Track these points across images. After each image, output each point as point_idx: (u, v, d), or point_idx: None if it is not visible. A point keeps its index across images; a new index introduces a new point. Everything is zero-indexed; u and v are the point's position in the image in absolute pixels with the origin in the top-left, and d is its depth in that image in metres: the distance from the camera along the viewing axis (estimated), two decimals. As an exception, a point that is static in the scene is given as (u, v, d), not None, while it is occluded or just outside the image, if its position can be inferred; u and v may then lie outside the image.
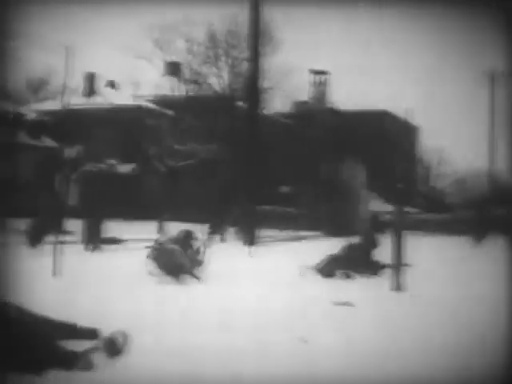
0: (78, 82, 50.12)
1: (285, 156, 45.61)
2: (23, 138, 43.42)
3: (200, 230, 16.50)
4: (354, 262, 15.88)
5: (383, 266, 15.48)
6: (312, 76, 56.48)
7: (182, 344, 7.89)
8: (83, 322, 7.62)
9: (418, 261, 15.74)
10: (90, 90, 51.97)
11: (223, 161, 43.66)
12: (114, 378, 6.65)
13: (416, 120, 59.32)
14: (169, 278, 13.95)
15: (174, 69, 50.86)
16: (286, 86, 47.75)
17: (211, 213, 31.53)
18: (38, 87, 56.39)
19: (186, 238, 14.99)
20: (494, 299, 11.58)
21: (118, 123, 46.96)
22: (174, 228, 18.87)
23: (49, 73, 53.72)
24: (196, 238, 15.24)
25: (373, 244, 16.50)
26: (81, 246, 22.05)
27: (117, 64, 50.78)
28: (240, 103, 42.64)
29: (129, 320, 8.55)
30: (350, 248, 16.43)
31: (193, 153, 44.39)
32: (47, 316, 7.39)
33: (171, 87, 49.46)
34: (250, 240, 26.59)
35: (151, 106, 49.45)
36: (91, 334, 7.44)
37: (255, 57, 29.28)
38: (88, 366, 6.76)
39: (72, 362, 6.70)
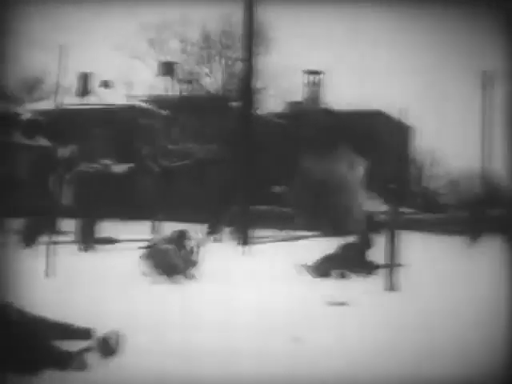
0: (72, 82, 50.03)
1: (278, 156, 45.59)
2: (18, 137, 43.33)
3: (194, 230, 16.45)
4: (348, 262, 15.88)
5: (378, 266, 15.48)
6: (306, 76, 56.47)
7: (176, 344, 7.89)
8: (77, 321, 7.60)
9: (412, 260, 15.74)
10: (84, 90, 51.86)
11: (217, 161, 43.65)
12: (108, 377, 6.64)
13: (410, 120, 59.33)
14: (163, 278, 13.94)
15: (168, 69, 50.83)
16: (280, 87, 47.82)
17: (207, 213, 31.50)
18: (32, 87, 56.28)
19: (180, 238, 14.98)
20: (489, 298, 11.61)
21: (112, 123, 46.88)
22: (168, 228, 18.85)
23: (43, 72, 53.59)
24: (190, 238, 15.22)
25: (367, 244, 16.51)
26: (75, 246, 22.00)
27: (111, 64, 50.84)
28: (234, 103, 42.63)
29: (123, 320, 8.54)
30: (345, 248, 16.44)
31: (187, 153, 44.37)
32: (41, 316, 7.37)
33: (165, 87, 49.46)
34: (244, 240, 26.56)
35: (145, 105, 49.39)
36: (85, 334, 7.42)
37: (249, 57, 29.25)
38: (82, 365, 6.74)
39: (66, 361, 6.69)
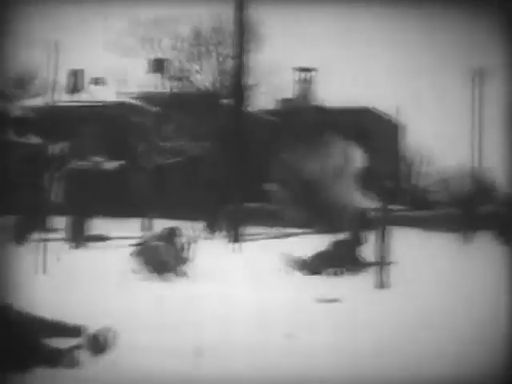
0: (63, 79, 49.88)
1: (270, 153, 45.56)
2: (8, 134, 43.17)
3: (185, 228, 16.45)
4: (340, 259, 15.91)
5: (369, 263, 15.49)
6: (297, 73, 56.44)
7: (167, 341, 7.89)
8: (67, 319, 7.58)
9: (403, 258, 15.77)
10: (75, 87, 51.71)
11: (209, 158, 43.60)
12: (99, 375, 6.63)
13: (401, 118, 59.40)
14: (153, 275, 13.93)
15: (158, 66, 50.73)
16: (271, 84, 47.76)
17: (201, 211, 31.51)
18: (23, 84, 56.10)
19: (171, 235, 14.98)
20: (483, 295, 11.65)
21: (103, 120, 46.75)
22: (160, 225, 18.84)
23: (34, 70, 53.44)
24: (181, 236, 15.22)
25: (359, 241, 16.53)
26: (66, 244, 21.98)
27: (102, 61, 50.55)
28: (225, 100, 42.56)
29: (113, 317, 8.52)
30: (337, 245, 16.46)
31: (179, 150, 44.29)
32: (31, 313, 7.36)
33: (156, 84, 49.36)
34: (235, 237, 26.56)
35: (136, 102, 49.28)
36: (75, 331, 7.40)
37: (240, 54, 29.24)
38: (72, 363, 6.73)
39: (56, 359, 6.67)
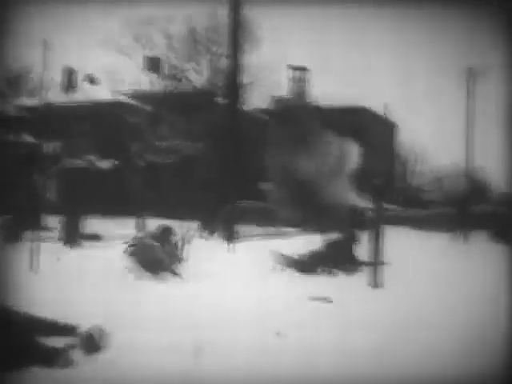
0: (57, 78, 49.83)
1: (264, 151, 45.60)
2: (2, 133, 43.09)
3: (180, 226, 16.45)
4: (334, 258, 15.92)
5: (363, 262, 15.51)
6: (291, 72, 56.49)
7: (160, 340, 7.89)
8: (61, 318, 7.59)
9: (397, 257, 15.79)
10: (69, 86, 51.69)
11: (204, 157, 43.60)
12: (93, 374, 6.64)
13: (395, 117, 59.54)
14: (147, 274, 13.93)
15: (153, 64, 50.73)
16: (266, 82, 47.80)
17: (197, 210, 31.52)
18: (17, 83, 56.02)
19: (165, 234, 14.98)
20: (479, 295, 11.69)
21: (97, 119, 46.74)
22: (154, 224, 18.83)
23: (28, 68, 53.35)
24: (175, 234, 15.23)
25: (353, 240, 16.55)
26: (59, 243, 21.96)
27: (96, 59, 50.53)
28: (220, 99, 42.58)
29: (107, 316, 8.53)
30: (331, 244, 16.48)
31: (174, 149, 44.29)
32: (26, 313, 7.37)
33: (151, 83, 49.35)
34: (230, 236, 26.56)
35: (131, 101, 49.26)
36: (69, 330, 7.41)
37: (235, 53, 29.23)
38: (67, 362, 6.74)
39: (51, 358, 6.68)
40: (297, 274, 15.31)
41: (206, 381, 6.70)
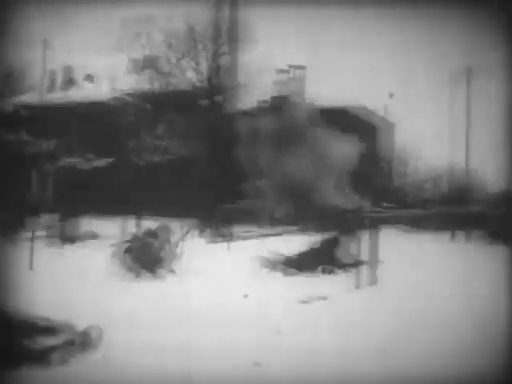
0: (55, 76, 49.79)
1: (259, 150, 45.53)
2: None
3: (176, 225, 16.50)
4: (327, 257, 15.96)
5: (356, 262, 15.54)
6: (288, 71, 56.43)
7: (154, 339, 7.95)
8: (57, 317, 7.64)
9: (391, 256, 15.84)
10: (68, 84, 51.65)
11: (200, 156, 43.55)
12: (87, 372, 6.70)
13: (390, 117, 59.48)
14: (143, 272, 13.99)
15: (151, 62, 50.67)
16: (261, 82, 47.72)
17: (193, 209, 31.52)
18: (15, 81, 55.96)
19: (162, 233, 15.03)
20: (472, 292, 11.75)
21: (95, 117, 46.67)
22: (150, 223, 18.87)
23: (26, 66, 53.34)
24: (172, 233, 15.27)
25: (346, 240, 16.58)
26: (56, 241, 21.97)
27: (94, 57, 50.44)
28: (217, 98, 42.55)
29: (102, 315, 8.59)
30: (324, 244, 16.52)
31: (170, 148, 44.24)
32: (20, 312, 7.41)
33: (149, 81, 49.28)
34: (224, 235, 26.59)
35: (129, 100, 49.20)
36: (63, 329, 7.46)
37: (232, 52, 29.26)
38: (62, 360, 6.79)
39: (45, 357, 6.73)
40: (289, 274, 15.36)
41: (201, 379, 6.77)
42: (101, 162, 45.14)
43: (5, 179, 39.58)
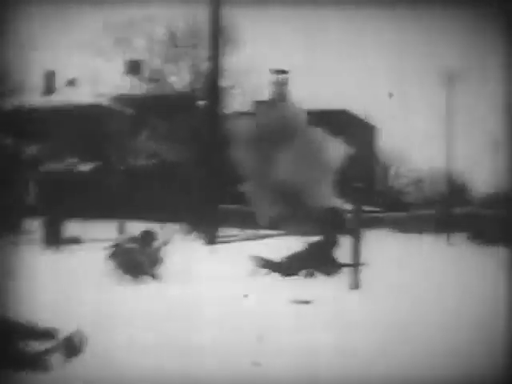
0: (37, 80, 49.64)
1: (245, 154, 45.58)
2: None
3: (159, 229, 16.46)
4: (314, 261, 15.96)
5: (343, 265, 15.55)
6: (272, 75, 56.53)
7: (141, 342, 7.91)
8: (41, 321, 7.58)
9: (376, 259, 15.85)
10: (50, 88, 51.54)
11: (185, 160, 43.56)
12: (72, 377, 6.64)
13: (375, 120, 59.76)
14: (127, 277, 13.94)
15: (134, 67, 50.64)
16: (246, 86, 47.80)
17: (179, 213, 31.50)
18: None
19: (145, 237, 14.97)
20: (462, 294, 11.78)
21: (77, 122, 46.61)
22: (134, 227, 18.83)
23: (7, 70, 53.13)
24: (155, 238, 15.22)
25: (333, 242, 16.59)
26: (40, 246, 21.89)
27: (77, 62, 50.36)
28: (200, 102, 42.56)
29: (87, 320, 8.54)
30: (311, 246, 16.51)
31: (154, 152, 44.23)
32: (5, 316, 7.35)
33: (132, 86, 49.24)
34: (211, 239, 26.57)
35: (111, 104, 49.15)
36: (49, 334, 7.40)
37: (216, 56, 29.26)
38: (46, 366, 6.73)
39: (30, 362, 6.67)
40: (277, 277, 15.36)
41: (192, 381, 6.74)
42: (85, 167, 45.06)
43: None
